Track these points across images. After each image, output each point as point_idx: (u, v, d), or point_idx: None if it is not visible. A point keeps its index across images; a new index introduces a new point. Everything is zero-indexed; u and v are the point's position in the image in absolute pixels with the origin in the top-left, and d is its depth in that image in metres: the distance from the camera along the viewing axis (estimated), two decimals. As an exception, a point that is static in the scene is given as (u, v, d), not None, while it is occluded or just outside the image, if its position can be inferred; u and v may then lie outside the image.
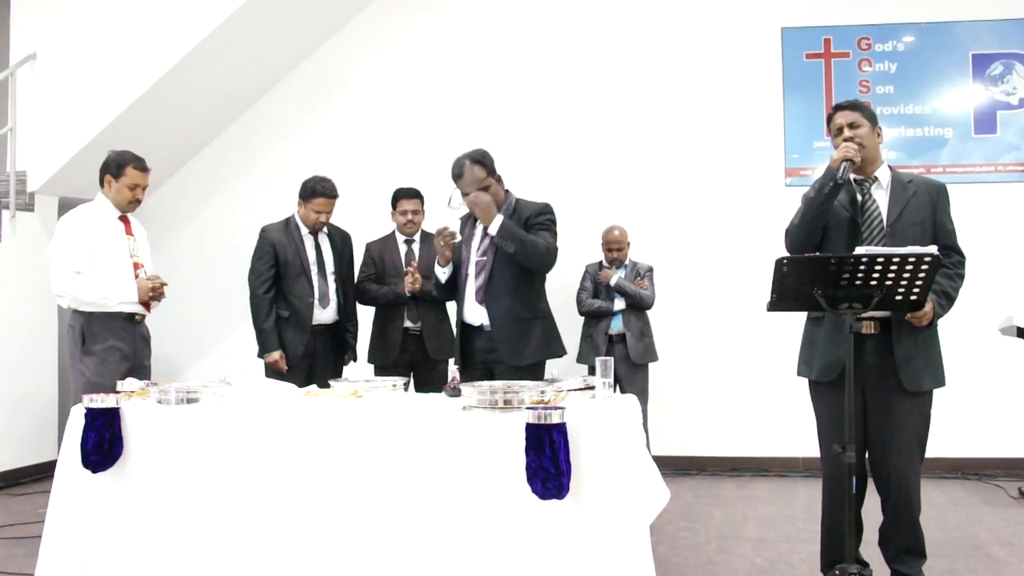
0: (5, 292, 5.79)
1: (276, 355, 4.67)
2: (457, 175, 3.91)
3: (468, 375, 3.87)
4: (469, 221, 4.05)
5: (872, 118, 3.31)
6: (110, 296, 4.14)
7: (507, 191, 4.00)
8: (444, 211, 4.11)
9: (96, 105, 5.82)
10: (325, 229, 4.84)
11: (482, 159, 3.92)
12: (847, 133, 3.24)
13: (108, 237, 4.21)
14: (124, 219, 4.30)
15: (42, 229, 5.99)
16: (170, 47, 5.71)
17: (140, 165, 4.25)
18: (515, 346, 3.87)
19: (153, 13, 5.77)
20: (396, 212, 5.22)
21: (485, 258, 3.92)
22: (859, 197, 3.27)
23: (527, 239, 3.84)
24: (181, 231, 6.66)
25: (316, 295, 4.74)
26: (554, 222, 4.00)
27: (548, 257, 3.91)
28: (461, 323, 3.99)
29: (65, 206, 5.60)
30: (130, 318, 4.22)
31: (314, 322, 4.73)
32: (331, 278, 4.81)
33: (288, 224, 4.83)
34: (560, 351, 4.04)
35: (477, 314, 3.93)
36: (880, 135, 3.34)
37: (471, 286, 3.95)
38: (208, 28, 5.66)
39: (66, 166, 5.90)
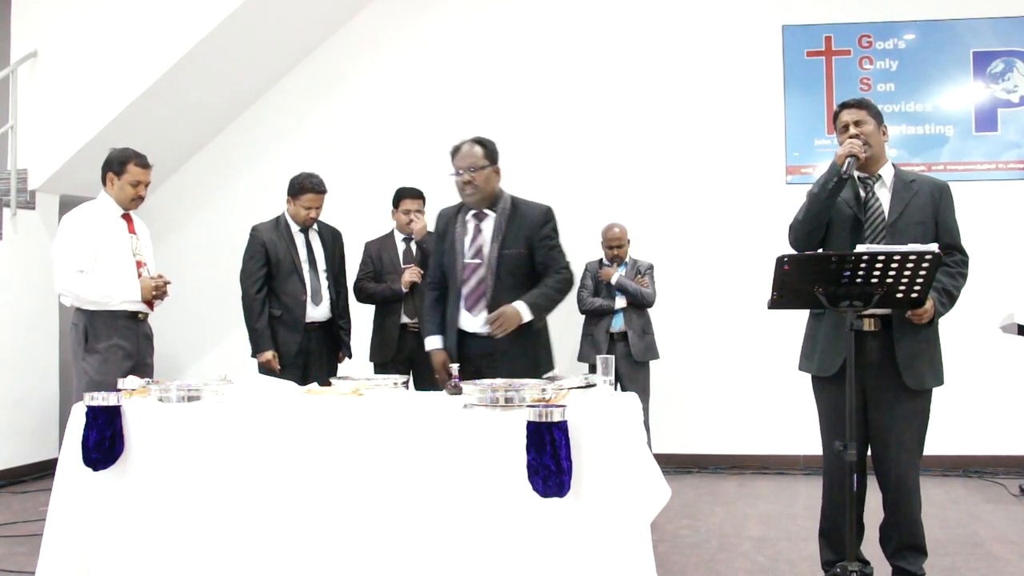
0: (6, 290, 5.78)
1: (269, 355, 4.66)
2: (454, 151, 3.77)
3: (463, 379, 3.71)
4: (456, 216, 3.85)
5: (878, 116, 3.33)
6: (113, 295, 4.13)
7: (501, 190, 3.83)
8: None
9: (97, 103, 5.82)
10: (315, 226, 4.83)
11: (484, 142, 3.78)
12: (853, 130, 3.26)
13: (111, 235, 4.21)
14: (127, 217, 4.30)
15: (43, 227, 5.99)
16: (170, 46, 5.72)
17: (142, 162, 4.25)
18: (515, 363, 3.57)
19: (154, 12, 5.77)
20: (398, 211, 5.21)
21: (477, 260, 3.73)
22: (862, 194, 3.28)
23: (553, 294, 3.74)
24: (182, 230, 6.66)
25: (308, 292, 4.73)
26: (557, 230, 3.85)
27: (570, 287, 3.86)
28: (456, 328, 3.77)
29: (66, 204, 5.61)
30: (133, 316, 4.22)
31: (307, 320, 4.72)
32: (323, 275, 4.80)
33: (278, 222, 4.82)
34: (551, 365, 3.87)
35: (470, 322, 3.75)
36: (885, 134, 3.36)
37: (463, 290, 3.75)
38: (208, 28, 5.66)
39: (67, 164, 5.90)
